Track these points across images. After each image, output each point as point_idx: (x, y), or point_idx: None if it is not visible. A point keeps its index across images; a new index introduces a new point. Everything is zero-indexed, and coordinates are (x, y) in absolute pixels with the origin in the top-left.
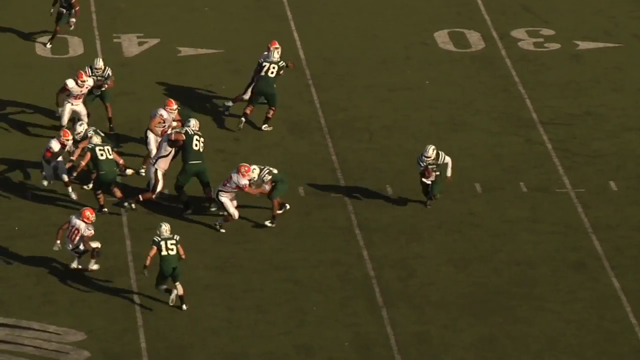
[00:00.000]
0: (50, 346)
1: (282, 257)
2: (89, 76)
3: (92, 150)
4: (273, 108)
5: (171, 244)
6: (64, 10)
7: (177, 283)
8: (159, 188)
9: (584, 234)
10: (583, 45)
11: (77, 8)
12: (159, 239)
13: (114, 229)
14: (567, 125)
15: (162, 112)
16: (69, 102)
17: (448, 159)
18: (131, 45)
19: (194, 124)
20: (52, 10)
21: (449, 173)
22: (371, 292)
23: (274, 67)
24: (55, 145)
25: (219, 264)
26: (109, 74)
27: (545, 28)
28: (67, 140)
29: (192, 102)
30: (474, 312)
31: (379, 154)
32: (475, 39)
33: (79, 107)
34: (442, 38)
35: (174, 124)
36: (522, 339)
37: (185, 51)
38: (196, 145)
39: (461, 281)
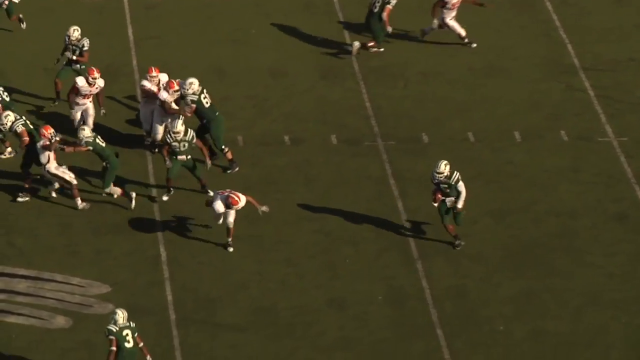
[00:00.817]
0: (74, 299)
1: (313, 208)
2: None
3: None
4: (373, 43)
5: (127, 334)
6: None
7: None
8: (159, 133)
9: (626, 184)
10: None
11: None
12: (116, 329)
13: (140, 177)
14: (609, 72)
15: (144, 82)
16: (77, 102)
17: (462, 187)
18: None
19: (195, 87)
20: None
21: (459, 204)
22: (406, 244)
23: (378, 2)
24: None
25: (248, 214)
26: (84, 46)
27: None
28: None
29: (221, 47)
30: (512, 265)
31: (414, 101)
32: None
33: (87, 106)
34: None
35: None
36: (562, 294)
37: None
38: (207, 102)
39: (499, 233)
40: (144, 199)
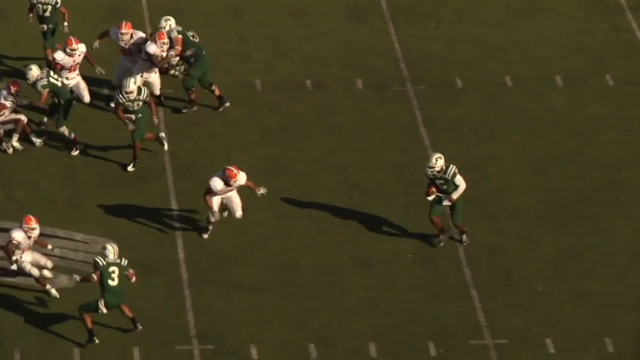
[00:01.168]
0: (77, 256)
1: (337, 158)
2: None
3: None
4: None
5: (113, 271)
6: None
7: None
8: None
9: None
10: None
11: None
12: (103, 263)
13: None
14: None
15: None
16: (66, 77)
17: (460, 181)
18: None
19: (173, 22)
20: None
21: (454, 196)
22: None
23: None
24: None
25: (266, 166)
26: (57, 3)
27: None
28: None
29: None
30: (552, 220)
31: (446, 42)
32: None
33: (77, 80)
34: None
35: None
36: (606, 251)
37: None
38: (195, 39)
39: (539, 186)
40: (154, 149)
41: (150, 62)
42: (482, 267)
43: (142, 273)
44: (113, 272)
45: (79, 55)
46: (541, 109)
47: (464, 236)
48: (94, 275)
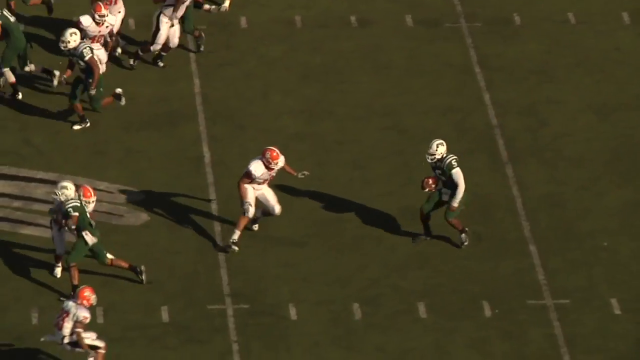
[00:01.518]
0: (101, 207)
1: (384, 101)
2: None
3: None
4: None
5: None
6: None
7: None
8: (161, 40)
9: None
10: None
11: None
12: (78, 203)
13: (180, 64)
14: None
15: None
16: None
17: (458, 176)
18: None
19: None
20: None
21: (454, 203)
22: (493, 144)
23: None
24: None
25: (306, 109)
26: None
27: None
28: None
29: None
30: (618, 170)
31: None
32: None
33: (101, 53)
34: None
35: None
36: None
37: None
38: None
39: (604, 132)
40: (185, 90)
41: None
42: (541, 221)
43: (171, 226)
44: (87, 213)
45: (107, 26)
46: (607, 48)
47: (463, 235)
48: (72, 220)
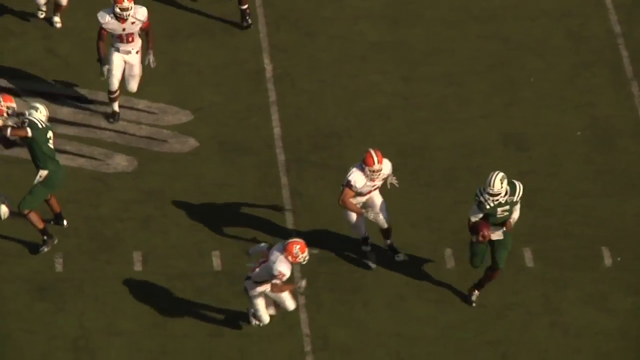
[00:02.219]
0: (140, 131)
1: (483, 4)
2: None
3: None
4: None
5: (50, 137)
6: None
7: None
8: None
9: None
10: None
11: None
12: (41, 125)
13: None
14: None
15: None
16: (115, 47)
17: (519, 192)
18: None
19: None
20: None
21: (515, 215)
22: (616, 57)
23: None
24: None
25: (390, 13)
26: None
27: None
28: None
29: None
30: None
31: None
32: None
33: (132, 58)
34: None
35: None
36: None
37: None
38: None
39: None
40: None
41: None
42: None
43: (226, 152)
44: (50, 138)
45: (132, 22)
46: None
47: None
48: (26, 129)
